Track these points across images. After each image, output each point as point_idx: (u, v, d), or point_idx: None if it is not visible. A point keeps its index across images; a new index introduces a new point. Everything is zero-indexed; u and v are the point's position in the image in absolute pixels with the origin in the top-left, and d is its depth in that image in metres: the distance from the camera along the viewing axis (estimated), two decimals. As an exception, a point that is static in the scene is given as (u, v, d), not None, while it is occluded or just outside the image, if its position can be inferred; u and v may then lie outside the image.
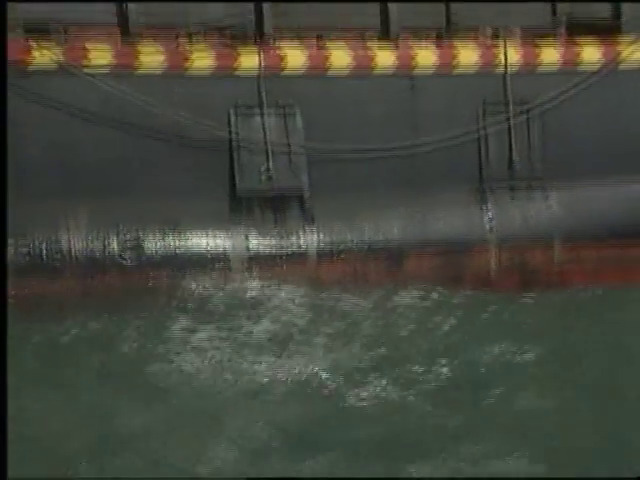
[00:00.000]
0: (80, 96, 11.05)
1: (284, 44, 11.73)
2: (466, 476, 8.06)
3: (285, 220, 11.60)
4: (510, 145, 12.34)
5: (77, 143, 11.15)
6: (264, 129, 11.57)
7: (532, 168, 12.43)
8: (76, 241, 11.04)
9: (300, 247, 11.64)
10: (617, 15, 12.88)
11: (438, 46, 12.22)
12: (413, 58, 12.08)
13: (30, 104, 10.88)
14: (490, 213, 12.30)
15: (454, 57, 12.22)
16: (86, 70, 11.02)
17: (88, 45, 11.12)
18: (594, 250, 12.37)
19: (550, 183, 12.46)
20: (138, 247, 11.18)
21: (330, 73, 11.80)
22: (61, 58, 10.93)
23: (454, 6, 12.24)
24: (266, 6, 11.59)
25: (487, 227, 12.29)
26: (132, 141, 11.24)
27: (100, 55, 11.13)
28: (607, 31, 12.84)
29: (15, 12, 10.73)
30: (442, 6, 12.21)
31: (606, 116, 12.76)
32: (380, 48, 12.00)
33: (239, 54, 11.56)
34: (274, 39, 11.68)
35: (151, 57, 11.26)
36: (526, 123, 12.42)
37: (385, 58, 12.00)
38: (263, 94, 11.54)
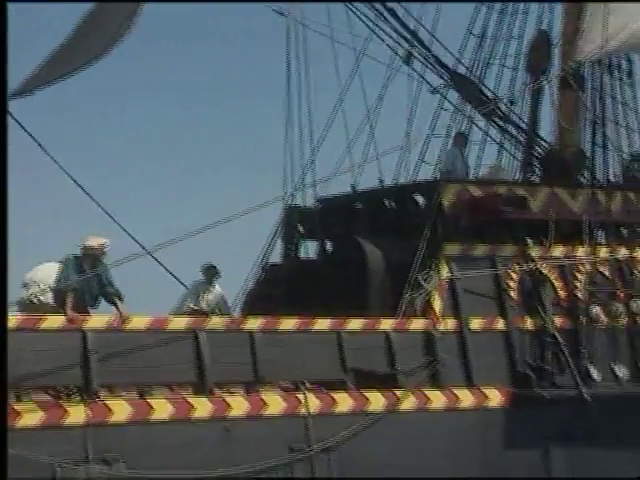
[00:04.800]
0: None
1: (109, 398, 10.87)
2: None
3: None
4: None
5: None
6: (90, 484, 10.39)
7: None
8: None
9: None
10: (393, 367, 12.75)
11: (249, 396, 11.62)
12: (227, 407, 11.38)
13: None
14: None
15: (263, 405, 11.61)
16: None
17: None
18: None
19: None
20: None
21: (152, 422, 10.92)
22: None
23: (261, 360, 11.76)
24: (93, 365, 10.73)
25: None
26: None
27: None
28: (386, 382, 12.67)
29: None
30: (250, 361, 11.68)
31: (392, 455, 12.26)
32: (198, 400, 11.28)
33: (67, 409, 10.50)
34: (100, 394, 10.82)
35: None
36: (327, 463, 11.63)
37: (203, 407, 11.25)
38: (89, 448, 10.43)
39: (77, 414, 10.48)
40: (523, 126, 16.68)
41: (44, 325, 10.75)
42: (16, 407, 10.22)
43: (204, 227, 11.32)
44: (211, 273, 13.07)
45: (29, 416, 10.26)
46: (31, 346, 10.51)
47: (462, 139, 16.27)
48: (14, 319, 10.54)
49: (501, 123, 16.65)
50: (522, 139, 16.76)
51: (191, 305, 12.91)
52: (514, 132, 16.77)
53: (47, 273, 11.63)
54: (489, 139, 16.85)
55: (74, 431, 10.42)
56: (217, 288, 13.12)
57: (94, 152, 25.69)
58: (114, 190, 22.87)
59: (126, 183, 26.93)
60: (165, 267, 12.78)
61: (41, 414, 10.34)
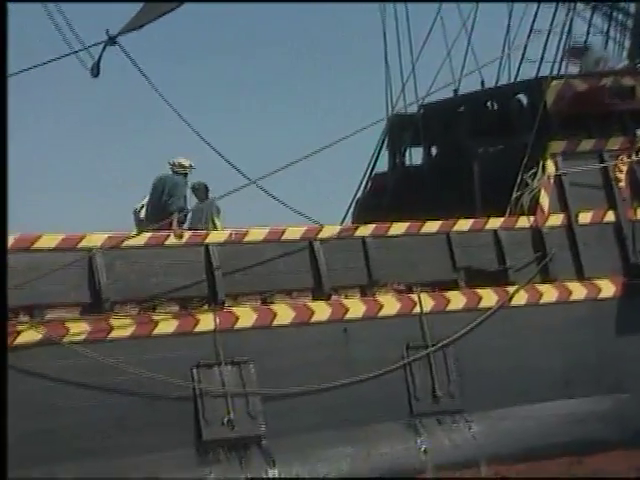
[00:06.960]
0: (59, 365, 10.94)
1: (236, 306, 12.06)
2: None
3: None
4: (433, 380, 12.69)
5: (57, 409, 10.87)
6: (223, 382, 11.65)
7: (453, 400, 12.83)
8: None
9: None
10: (503, 264, 13.63)
11: (365, 299, 12.67)
12: (345, 310, 12.45)
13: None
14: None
15: (379, 307, 12.68)
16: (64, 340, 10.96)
17: (66, 321, 11.20)
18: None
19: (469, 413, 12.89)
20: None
21: (276, 326, 12.11)
22: (43, 333, 10.90)
23: (374, 264, 12.77)
24: (218, 276, 11.94)
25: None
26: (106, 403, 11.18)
27: (77, 328, 11.16)
28: (497, 278, 13.60)
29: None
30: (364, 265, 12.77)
31: (505, 349, 13.26)
32: (317, 304, 12.41)
33: (198, 318, 11.74)
34: (226, 302, 12.01)
35: (122, 327, 11.37)
36: (443, 359, 12.73)
37: (322, 311, 12.38)
38: (220, 351, 11.69)
39: (207, 322, 11.76)
40: (630, 12, 17.08)
41: (169, 241, 12.02)
42: (153, 317, 11.58)
43: (320, 148, 12.26)
44: (199, 191, 13.66)
45: (164, 324, 11.56)
46: (160, 261, 11.79)
47: None
48: (144, 237, 11.91)
49: (606, 11, 17.12)
50: (629, 26, 17.18)
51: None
52: (620, 19, 17.21)
53: None
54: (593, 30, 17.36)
55: (205, 336, 11.71)
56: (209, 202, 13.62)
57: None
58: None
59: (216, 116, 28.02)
60: (272, 195, 13.56)
61: (175, 322, 11.65)
